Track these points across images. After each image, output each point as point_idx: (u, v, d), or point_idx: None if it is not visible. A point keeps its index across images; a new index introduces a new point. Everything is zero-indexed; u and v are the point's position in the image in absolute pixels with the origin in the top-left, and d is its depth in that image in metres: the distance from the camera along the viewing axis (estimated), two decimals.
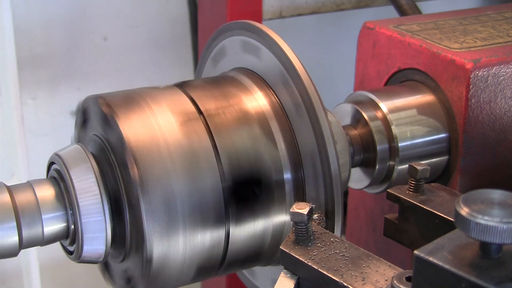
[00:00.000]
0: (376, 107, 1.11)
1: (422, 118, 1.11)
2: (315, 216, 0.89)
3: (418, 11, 1.43)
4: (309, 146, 0.93)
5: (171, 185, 0.87)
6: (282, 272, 0.82)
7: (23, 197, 0.88)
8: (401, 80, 1.18)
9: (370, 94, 1.12)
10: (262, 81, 1.00)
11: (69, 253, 0.93)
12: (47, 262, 1.97)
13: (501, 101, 1.10)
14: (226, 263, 0.96)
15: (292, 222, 0.83)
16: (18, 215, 0.87)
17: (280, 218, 0.96)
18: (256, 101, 0.98)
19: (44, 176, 0.95)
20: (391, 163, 1.10)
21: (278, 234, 0.97)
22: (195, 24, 1.94)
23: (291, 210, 0.82)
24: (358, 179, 1.13)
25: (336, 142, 0.92)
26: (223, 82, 1.01)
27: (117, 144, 0.89)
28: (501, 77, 1.09)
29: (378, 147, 1.09)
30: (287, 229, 0.96)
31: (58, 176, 0.91)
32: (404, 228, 0.97)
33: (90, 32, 1.99)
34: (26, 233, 0.87)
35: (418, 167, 0.95)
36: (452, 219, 0.68)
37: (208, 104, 0.96)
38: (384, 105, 1.11)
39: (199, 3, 1.85)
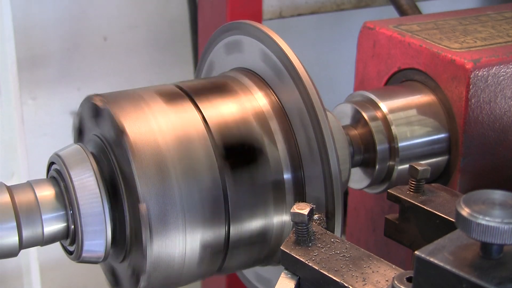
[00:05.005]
0: (376, 107, 1.11)
1: (422, 118, 1.11)
2: (315, 216, 0.89)
3: (418, 11, 1.43)
4: (309, 146, 0.93)
5: (170, 182, 0.87)
6: (282, 273, 0.82)
7: (23, 197, 0.88)
8: (401, 80, 1.18)
9: (370, 94, 1.12)
10: (262, 81, 1.00)
11: (69, 253, 0.93)
12: (47, 262, 1.96)
13: (501, 101, 1.10)
14: (226, 263, 0.96)
15: (292, 222, 0.83)
16: (18, 215, 0.87)
17: (280, 218, 0.96)
18: (256, 101, 0.98)
19: (44, 176, 0.95)
20: (391, 163, 1.10)
21: (278, 234, 0.97)
22: (195, 24, 1.93)
23: (291, 210, 0.82)
24: (358, 179, 1.13)
25: (336, 142, 0.92)
26: (223, 82, 1.01)
27: (115, 139, 0.89)
28: (501, 77, 1.09)
29: (378, 147, 1.09)
30: (287, 229, 0.96)
31: (58, 176, 0.91)
32: (405, 229, 0.97)
33: (90, 32, 1.98)
34: (26, 233, 0.87)
35: (419, 168, 0.95)
36: (453, 220, 0.68)
37: (207, 102, 0.96)
38: (384, 105, 1.11)
39: (199, 3, 1.85)
